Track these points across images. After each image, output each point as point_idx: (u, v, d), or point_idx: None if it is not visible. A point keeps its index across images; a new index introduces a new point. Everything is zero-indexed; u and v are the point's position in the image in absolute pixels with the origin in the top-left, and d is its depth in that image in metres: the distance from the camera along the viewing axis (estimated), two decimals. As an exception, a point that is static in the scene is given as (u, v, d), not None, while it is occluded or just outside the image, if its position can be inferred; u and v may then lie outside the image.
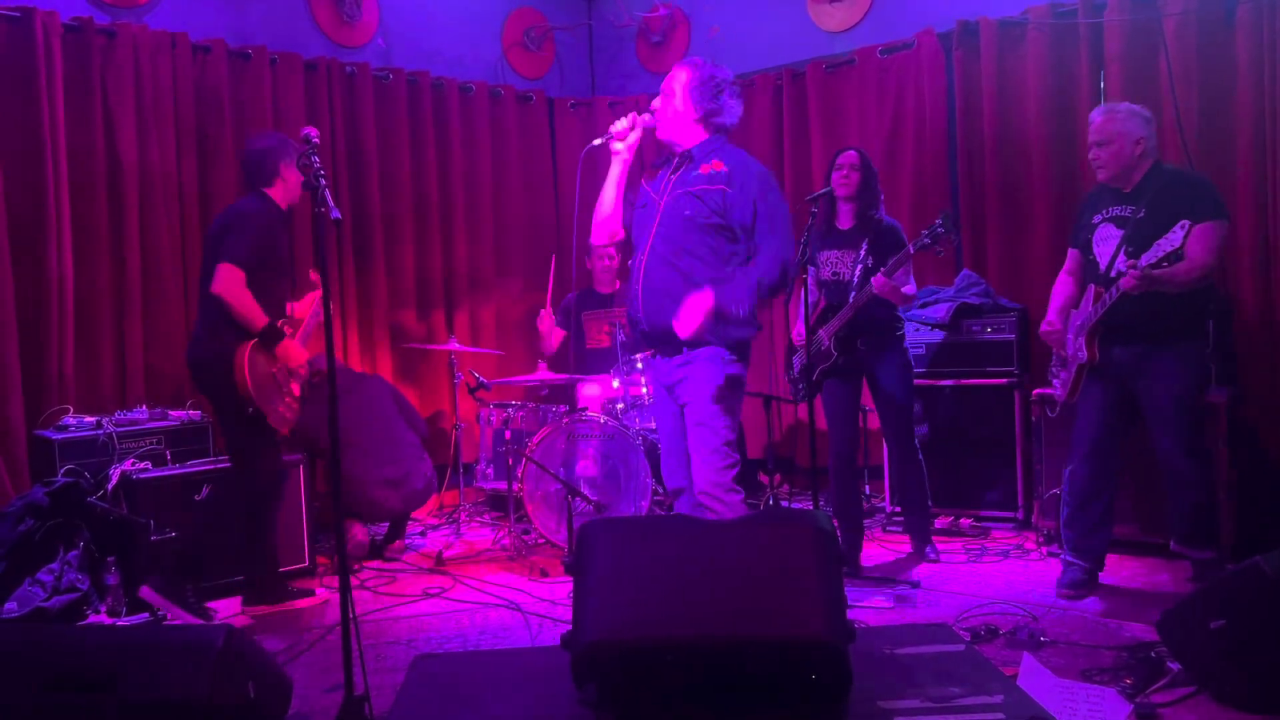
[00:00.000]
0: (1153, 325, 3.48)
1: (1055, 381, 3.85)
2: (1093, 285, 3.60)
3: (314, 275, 4.12)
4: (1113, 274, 3.53)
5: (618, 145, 3.33)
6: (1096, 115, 3.62)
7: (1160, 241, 3.27)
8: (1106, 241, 3.61)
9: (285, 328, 3.93)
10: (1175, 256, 3.26)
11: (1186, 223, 3.25)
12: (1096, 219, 3.66)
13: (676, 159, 3.33)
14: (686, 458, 3.29)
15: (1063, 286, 3.84)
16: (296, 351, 3.95)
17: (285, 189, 3.95)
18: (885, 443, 4.50)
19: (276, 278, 3.92)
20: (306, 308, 4.26)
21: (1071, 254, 3.84)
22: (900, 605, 3.69)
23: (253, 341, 3.79)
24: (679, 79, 3.30)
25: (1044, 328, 3.82)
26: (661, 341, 3.26)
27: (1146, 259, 3.28)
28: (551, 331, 5.40)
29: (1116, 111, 3.58)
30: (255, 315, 3.78)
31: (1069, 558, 3.75)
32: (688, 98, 3.27)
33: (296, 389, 4.00)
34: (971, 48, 5.16)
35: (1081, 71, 4.84)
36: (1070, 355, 3.70)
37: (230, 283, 3.74)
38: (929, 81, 5.31)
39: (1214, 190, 3.53)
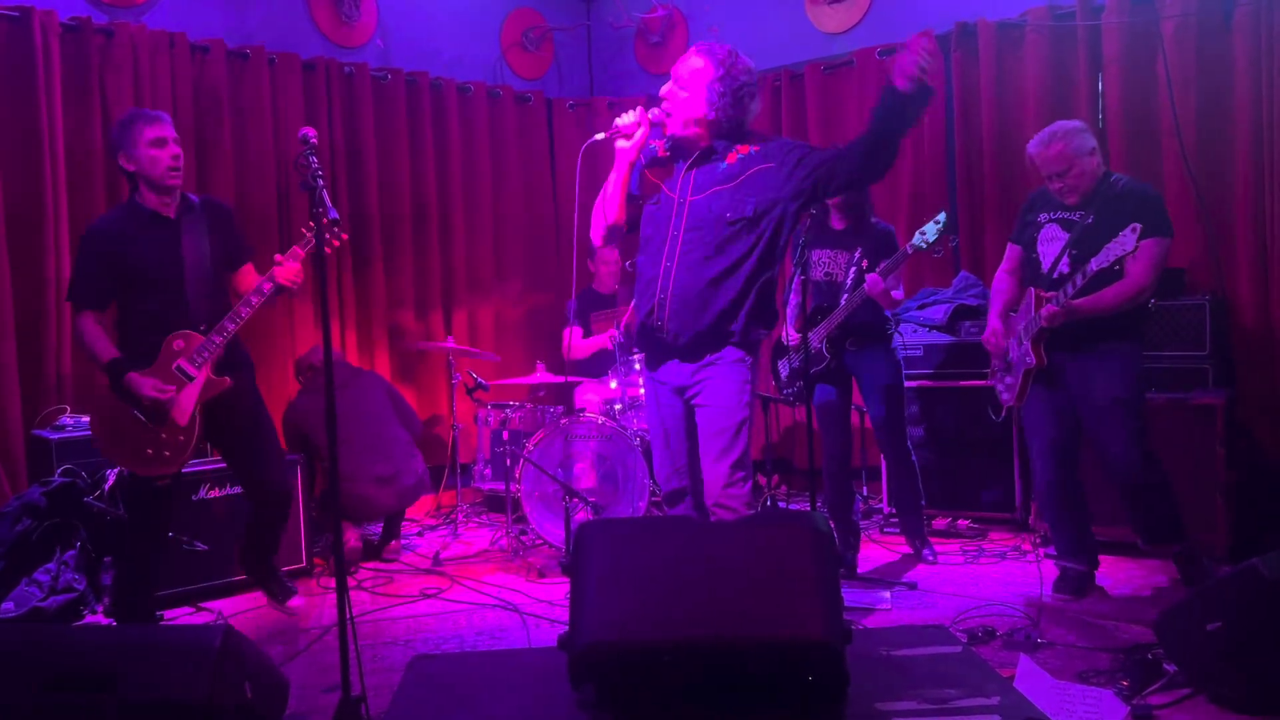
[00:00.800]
0: (1084, 329, 3.46)
1: (999, 386, 3.79)
2: (1033, 288, 3.57)
3: (306, 231, 3.50)
4: (1055, 275, 3.52)
5: (623, 143, 3.09)
6: (1039, 147, 3.52)
7: (1111, 245, 3.25)
8: (1052, 242, 3.59)
9: (175, 341, 3.42)
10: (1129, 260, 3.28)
11: (1139, 225, 3.21)
12: (1043, 218, 3.64)
13: (696, 154, 3.09)
14: (692, 459, 3.17)
15: (1003, 286, 3.78)
16: (150, 387, 3.33)
17: (136, 162, 3.40)
18: (878, 444, 4.50)
19: (145, 292, 3.44)
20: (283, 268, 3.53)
21: (1012, 250, 3.79)
22: (897, 606, 3.69)
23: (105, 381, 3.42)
24: (695, 66, 3.01)
25: (987, 335, 3.75)
26: (688, 350, 3.07)
27: (1096, 263, 3.29)
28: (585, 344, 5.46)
29: (1058, 136, 3.48)
30: (98, 351, 3.38)
31: (1063, 561, 3.75)
32: (704, 96, 3.00)
33: (183, 421, 3.41)
34: (970, 50, 5.16)
35: (1080, 74, 4.84)
36: (1016, 360, 3.65)
37: (77, 332, 3.44)
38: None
39: (1163, 205, 3.52)
